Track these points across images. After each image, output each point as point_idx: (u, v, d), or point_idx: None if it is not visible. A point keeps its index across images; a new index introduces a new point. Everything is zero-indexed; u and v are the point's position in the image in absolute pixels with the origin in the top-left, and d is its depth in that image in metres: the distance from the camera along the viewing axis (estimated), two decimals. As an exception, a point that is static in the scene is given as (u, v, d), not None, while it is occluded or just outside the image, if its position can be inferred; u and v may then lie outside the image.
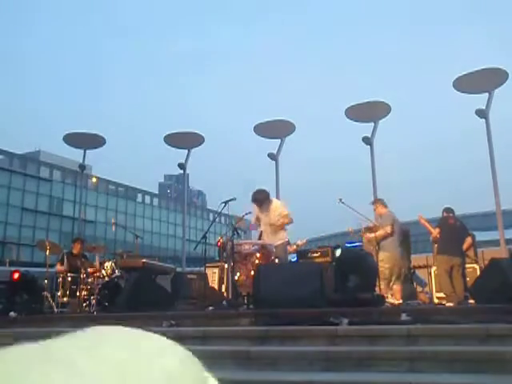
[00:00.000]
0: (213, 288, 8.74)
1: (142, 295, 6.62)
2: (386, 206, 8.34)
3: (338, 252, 6.79)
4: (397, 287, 7.80)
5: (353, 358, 3.86)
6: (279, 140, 13.37)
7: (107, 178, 61.46)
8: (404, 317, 4.53)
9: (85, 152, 14.08)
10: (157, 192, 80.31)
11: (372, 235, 7.97)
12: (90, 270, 8.56)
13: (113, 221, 33.21)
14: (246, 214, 7.56)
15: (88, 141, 13.96)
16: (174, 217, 66.56)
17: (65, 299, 8.40)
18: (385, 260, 7.68)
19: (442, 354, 3.75)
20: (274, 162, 13.34)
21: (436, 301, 8.41)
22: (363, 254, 6.39)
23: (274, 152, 13.33)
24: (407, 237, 9.21)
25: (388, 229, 7.87)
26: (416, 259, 10.37)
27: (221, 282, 9.32)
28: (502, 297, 5.11)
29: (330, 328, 4.46)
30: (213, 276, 9.42)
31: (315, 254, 8.94)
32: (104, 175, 60.44)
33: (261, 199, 7.30)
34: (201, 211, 74.43)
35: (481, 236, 16.57)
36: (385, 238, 7.86)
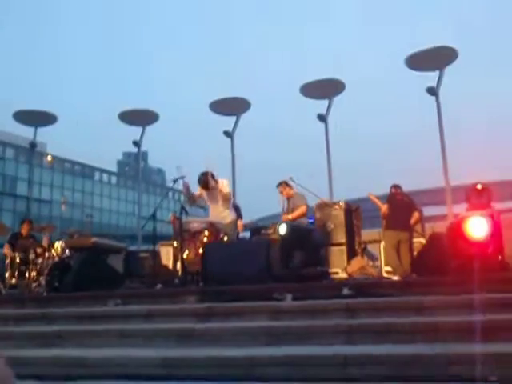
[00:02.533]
0: (165, 266, 8.72)
1: (90, 275, 6.56)
2: (292, 188, 8.46)
3: (282, 228, 6.87)
4: None
5: (293, 333, 3.95)
6: (235, 117, 13.34)
7: (63, 156, 60.08)
8: (346, 291, 4.64)
9: (36, 129, 13.74)
10: (115, 170, 79.09)
11: (289, 216, 8.10)
12: (39, 250, 8.40)
13: (63, 200, 32.43)
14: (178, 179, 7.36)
15: (39, 118, 13.60)
16: (132, 195, 65.84)
17: (13, 281, 8.24)
18: None
19: (378, 326, 3.88)
20: (229, 139, 13.32)
21: (385, 274, 8.63)
22: (308, 230, 6.48)
23: (230, 129, 13.30)
24: (357, 213, 9.42)
25: (304, 208, 8.00)
26: (369, 234, 10.59)
27: (175, 259, 9.32)
28: (440, 269, 5.30)
29: (273, 304, 4.54)
30: (167, 254, 9.39)
31: (268, 231, 9.02)
32: (60, 153, 59.09)
33: (204, 181, 7.32)
34: (160, 189, 73.77)
35: (432, 211, 17.03)
36: (300, 217, 8.01)
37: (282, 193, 8.43)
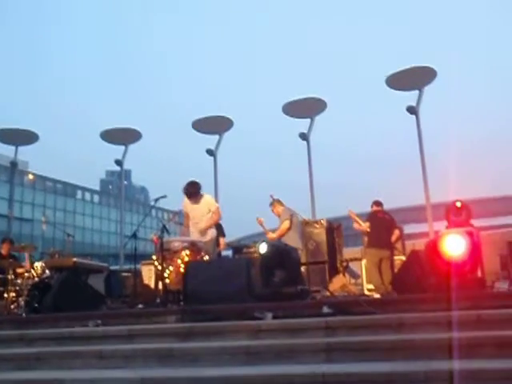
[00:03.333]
0: (147, 285, 8.68)
1: (70, 295, 6.49)
2: (282, 204, 8.56)
3: (262, 247, 6.93)
4: None
5: (273, 352, 3.95)
6: (218, 136, 13.41)
7: (45, 174, 59.54)
8: (325, 309, 4.66)
9: (17, 148, 13.68)
10: (98, 189, 78.56)
11: (273, 235, 8.20)
12: (19, 270, 8.30)
13: (44, 219, 32.14)
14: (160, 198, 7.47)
15: (20, 137, 13.54)
16: (115, 214, 65.28)
17: (-9, 301, 8.12)
18: None
19: (357, 344, 3.90)
20: (212, 157, 13.37)
21: (366, 292, 8.68)
22: (287, 249, 6.54)
23: (213, 148, 13.36)
24: (339, 231, 9.48)
25: (286, 224, 8.14)
26: (351, 252, 10.67)
27: (157, 279, 9.29)
28: (419, 287, 5.36)
29: (253, 323, 4.54)
30: (149, 273, 9.34)
31: (250, 250, 9.04)
32: (42, 172, 58.58)
33: (193, 192, 7.37)
34: (143, 207, 73.29)
35: (413, 228, 17.21)
36: (284, 234, 8.11)
37: (273, 211, 8.52)
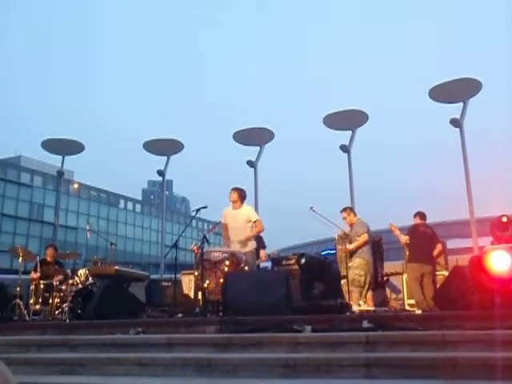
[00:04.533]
0: (186, 295, 8.76)
1: (112, 302, 6.63)
2: (356, 215, 8.42)
3: (302, 259, 6.90)
4: (369, 294, 7.98)
5: (311, 365, 3.91)
6: (258, 147, 13.47)
7: (89, 183, 61.09)
8: (365, 324, 4.60)
9: (63, 158, 14.08)
10: (140, 198, 79.97)
11: (349, 247, 8.04)
12: (62, 276, 8.52)
13: (87, 227, 32.84)
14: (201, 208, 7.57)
15: (67, 147, 13.97)
16: (156, 223, 66.30)
17: (37, 307, 8.36)
18: (359, 268, 7.77)
19: (397, 360, 3.82)
20: (252, 168, 13.42)
21: (407, 308, 8.51)
22: (327, 262, 6.50)
23: (253, 159, 13.42)
24: (380, 245, 9.33)
25: (365, 236, 7.97)
26: (391, 266, 10.49)
27: (196, 288, 9.36)
28: (463, 303, 5.23)
29: (292, 335, 4.52)
30: (189, 283, 9.43)
31: (290, 262, 9.01)
32: (87, 181, 60.16)
33: (244, 196, 7.50)
34: (184, 218, 74.17)
35: (458, 243, 16.78)
36: (361, 247, 7.99)
37: (345, 219, 8.37)
